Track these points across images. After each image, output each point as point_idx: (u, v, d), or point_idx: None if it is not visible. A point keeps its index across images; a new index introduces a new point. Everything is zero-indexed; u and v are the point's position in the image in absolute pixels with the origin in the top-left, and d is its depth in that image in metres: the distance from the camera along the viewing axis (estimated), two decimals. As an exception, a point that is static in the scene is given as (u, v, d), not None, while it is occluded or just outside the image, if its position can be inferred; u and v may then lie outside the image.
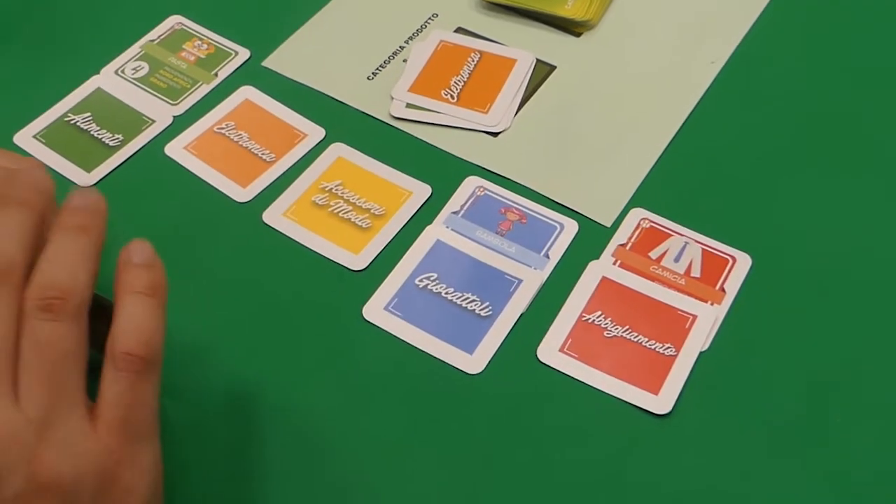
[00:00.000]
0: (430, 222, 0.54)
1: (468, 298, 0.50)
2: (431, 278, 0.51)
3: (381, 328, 0.50)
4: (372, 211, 0.54)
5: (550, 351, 0.49)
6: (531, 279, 0.51)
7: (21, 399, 0.34)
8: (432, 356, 0.49)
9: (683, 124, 0.59)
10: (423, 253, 0.52)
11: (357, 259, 0.53)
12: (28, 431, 0.34)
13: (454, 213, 0.54)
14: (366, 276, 0.52)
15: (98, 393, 0.37)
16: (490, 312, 0.50)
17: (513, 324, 0.49)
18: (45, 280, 0.36)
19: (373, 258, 0.52)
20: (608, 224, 0.54)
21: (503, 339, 0.49)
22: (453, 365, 0.48)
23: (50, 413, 0.34)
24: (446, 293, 0.51)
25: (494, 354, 0.49)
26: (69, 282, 0.36)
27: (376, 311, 0.50)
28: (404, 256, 0.52)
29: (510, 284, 0.51)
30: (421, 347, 0.49)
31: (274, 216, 0.54)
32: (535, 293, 0.50)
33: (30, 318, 0.35)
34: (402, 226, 0.54)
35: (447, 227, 0.53)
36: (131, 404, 0.36)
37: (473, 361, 0.48)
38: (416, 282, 0.51)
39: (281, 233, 0.53)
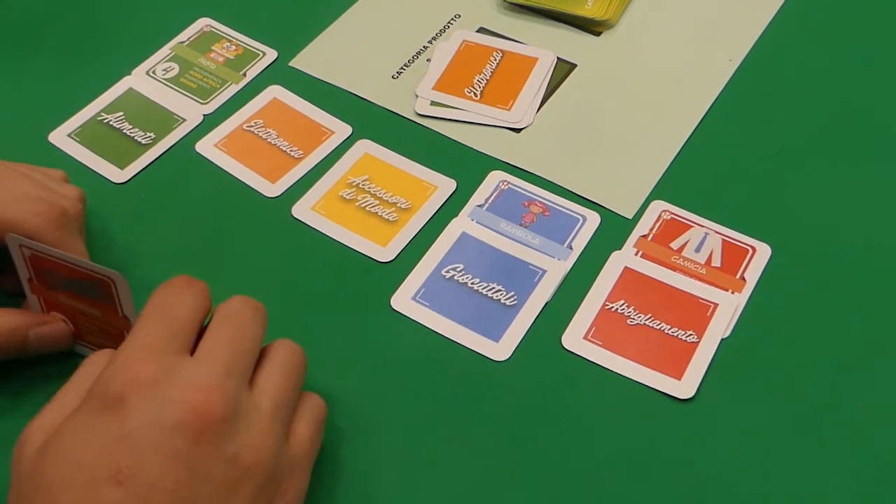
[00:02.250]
0: (455, 216, 0.55)
1: (494, 288, 0.51)
2: (458, 269, 0.52)
3: (409, 317, 0.51)
4: (398, 205, 0.56)
5: (575, 338, 0.49)
6: (555, 269, 0.52)
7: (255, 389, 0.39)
8: (459, 344, 0.50)
9: (702, 119, 0.60)
10: (449, 245, 0.53)
11: (385, 251, 0.54)
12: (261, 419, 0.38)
13: (479, 206, 0.56)
14: (393, 268, 0.53)
15: (296, 413, 0.41)
16: (515, 302, 0.51)
17: (537, 313, 0.50)
18: None
19: (400, 250, 0.53)
20: (630, 216, 0.54)
21: (528, 327, 0.50)
22: (480, 352, 0.49)
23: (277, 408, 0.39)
24: (472, 283, 0.52)
25: (520, 342, 0.49)
26: None
27: (404, 300, 0.51)
28: (431, 248, 0.53)
29: (534, 275, 0.52)
30: (448, 336, 0.50)
31: (303, 210, 0.55)
32: (559, 283, 0.51)
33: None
34: (427, 219, 0.55)
35: (472, 220, 0.54)
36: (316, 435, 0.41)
37: (499, 349, 0.49)
38: (443, 272, 0.52)
39: (310, 226, 0.54)
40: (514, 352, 0.49)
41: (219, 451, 0.35)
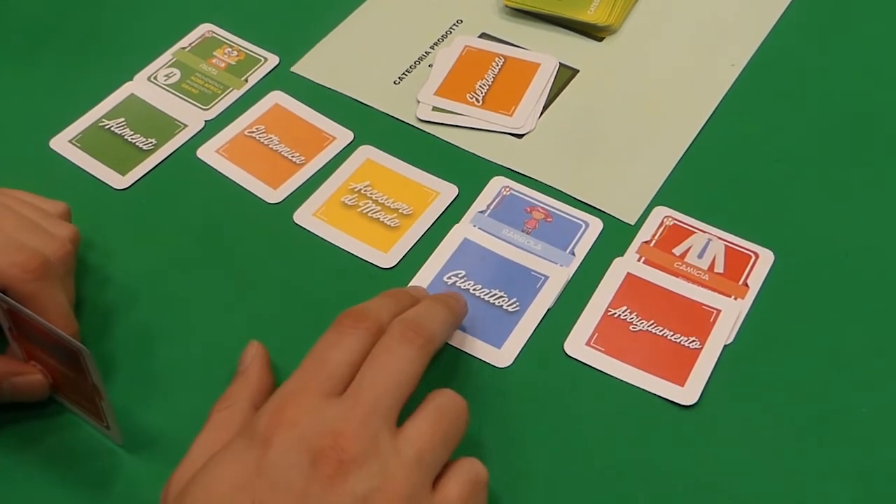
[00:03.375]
0: (457, 221, 0.55)
1: (496, 295, 0.51)
2: (459, 275, 0.52)
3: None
4: (400, 211, 0.56)
5: (577, 345, 0.49)
6: (557, 276, 0.52)
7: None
8: (462, 350, 0.50)
9: (705, 124, 0.60)
10: (451, 251, 0.53)
11: (386, 257, 0.54)
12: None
13: (481, 212, 0.56)
14: (395, 274, 0.53)
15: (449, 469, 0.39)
16: (517, 308, 0.51)
17: (540, 319, 0.50)
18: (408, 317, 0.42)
19: (402, 256, 0.53)
20: (632, 222, 0.54)
21: (531, 333, 0.50)
22: (482, 359, 0.49)
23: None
24: (474, 290, 0.52)
25: (522, 348, 0.49)
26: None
27: (406, 307, 0.51)
28: (433, 254, 0.53)
29: (537, 281, 0.52)
30: (450, 342, 0.50)
31: (304, 216, 0.56)
32: (562, 289, 0.51)
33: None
34: (429, 225, 0.55)
35: (474, 226, 0.55)
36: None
37: (502, 355, 0.49)
38: (445, 279, 0.52)
39: (311, 232, 0.54)
40: (516, 358, 0.49)
41: (349, 492, 0.35)
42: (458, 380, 0.48)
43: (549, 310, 0.51)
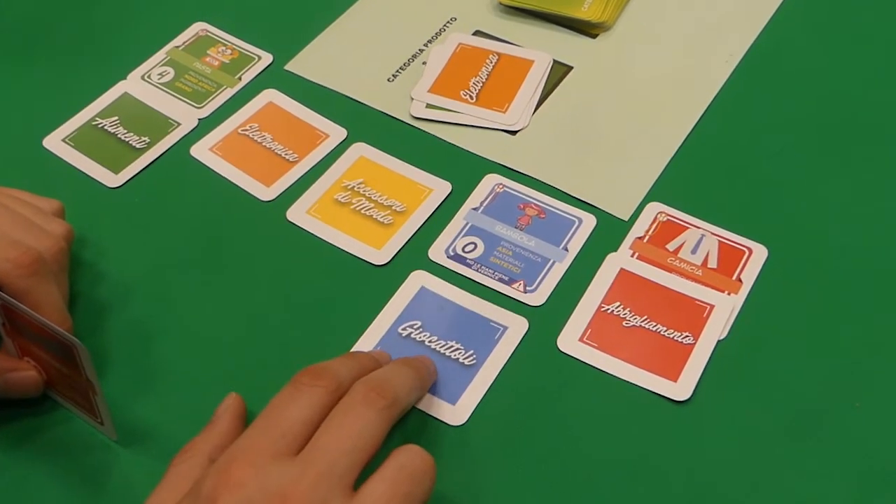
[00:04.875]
0: (450, 218, 0.55)
1: (452, 347, 0.49)
2: (415, 326, 0.51)
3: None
4: (393, 208, 0.56)
5: (571, 341, 0.50)
6: (516, 327, 0.50)
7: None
8: (413, 406, 0.47)
9: (700, 120, 0.60)
10: (406, 300, 0.51)
11: (379, 254, 0.54)
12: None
13: (474, 209, 0.56)
14: (388, 271, 0.53)
15: None
16: (474, 361, 0.49)
17: (497, 372, 0.48)
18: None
19: (395, 253, 0.54)
20: (626, 218, 0.55)
21: (522, 335, 0.50)
22: (435, 416, 0.47)
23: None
24: (430, 342, 0.50)
25: (516, 347, 0.49)
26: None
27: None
28: (388, 303, 0.51)
29: (495, 332, 0.50)
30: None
31: (298, 214, 0.56)
32: (520, 340, 0.49)
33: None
34: (423, 221, 0.55)
35: (467, 223, 0.55)
36: None
37: (456, 413, 0.47)
38: (400, 330, 0.51)
39: (305, 230, 0.55)
40: (511, 354, 0.49)
41: None
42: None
43: (542, 305, 0.51)
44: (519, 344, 0.50)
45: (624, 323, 0.50)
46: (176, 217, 0.55)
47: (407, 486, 0.36)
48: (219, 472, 0.35)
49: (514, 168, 0.57)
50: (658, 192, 0.56)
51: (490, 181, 0.57)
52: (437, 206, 0.56)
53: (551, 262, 0.53)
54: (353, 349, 0.49)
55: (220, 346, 0.49)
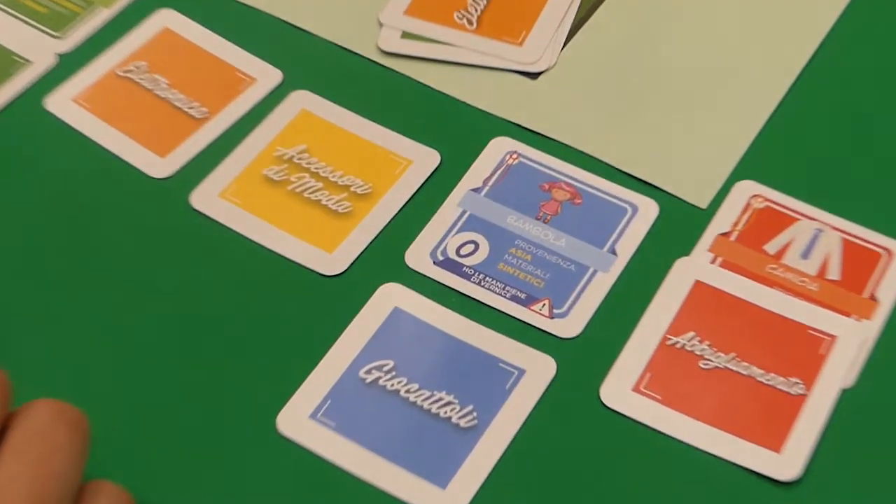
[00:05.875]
0: (439, 205, 0.55)
1: (440, 400, 0.50)
2: (385, 368, 0.51)
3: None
4: (353, 188, 0.56)
5: (620, 391, 0.50)
6: (544, 368, 0.50)
7: None
8: (381, 490, 0.48)
9: (812, 58, 0.60)
10: (373, 328, 0.52)
11: (332, 260, 0.53)
12: None
13: (474, 190, 0.56)
14: (343, 285, 0.53)
15: None
16: (474, 422, 0.49)
17: (511, 439, 0.48)
18: None
19: (355, 257, 0.54)
20: (703, 205, 0.55)
21: (548, 382, 0.50)
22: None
23: None
24: (408, 392, 0.50)
25: (544, 392, 0.50)
26: None
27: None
28: (345, 332, 0.51)
29: (507, 377, 0.50)
30: (360, 474, 0.49)
31: (207, 198, 0.55)
32: (546, 386, 0.50)
33: None
34: (397, 209, 0.55)
35: (463, 213, 0.55)
36: None
37: (447, 500, 0.47)
38: (362, 374, 0.51)
39: (217, 222, 0.55)
40: (531, 411, 0.49)
41: None
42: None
43: (578, 335, 0.51)
44: (542, 395, 0.49)
45: (701, 363, 0.50)
46: (22, 202, 0.55)
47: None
48: None
49: (535, 129, 0.57)
50: (751, 167, 0.56)
51: (499, 148, 0.57)
52: (418, 186, 0.56)
53: (591, 270, 0.53)
54: (282, 425, 0.49)
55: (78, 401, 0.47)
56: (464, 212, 0.55)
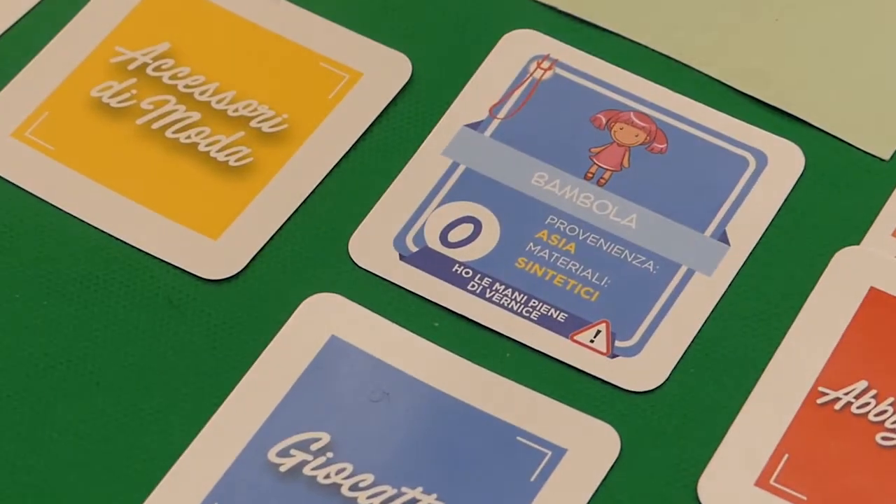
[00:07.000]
0: (415, 149, 0.55)
1: (413, 499, 0.53)
2: (315, 447, 0.51)
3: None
4: (254, 123, 0.55)
5: (733, 485, 0.49)
6: (599, 444, 0.52)
7: None
8: None
9: None
10: (294, 376, 0.53)
11: (216, 253, 0.54)
12: None
13: (473, 126, 0.54)
14: (238, 292, 0.52)
15: None
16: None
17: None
18: None
19: (258, 250, 0.54)
20: (886, 155, 0.55)
21: (607, 470, 0.50)
22: None
23: None
24: (358, 486, 0.50)
25: (594, 494, 0.50)
26: None
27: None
28: (247, 374, 0.54)
29: (538, 458, 0.51)
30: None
31: (-4, 140, 0.54)
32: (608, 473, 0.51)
33: None
34: (335, 162, 0.56)
35: (453, 166, 0.53)
36: None
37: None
38: (273, 457, 0.52)
39: (7, 181, 0.56)
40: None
41: None
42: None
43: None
44: (596, 492, 0.49)
45: (880, 437, 0.49)
46: None
47: None
48: None
49: (582, 16, 0.58)
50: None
51: (518, 51, 0.59)
52: (372, 119, 0.57)
53: (684, 271, 0.54)
54: None
55: None
56: (454, 165, 0.53)
